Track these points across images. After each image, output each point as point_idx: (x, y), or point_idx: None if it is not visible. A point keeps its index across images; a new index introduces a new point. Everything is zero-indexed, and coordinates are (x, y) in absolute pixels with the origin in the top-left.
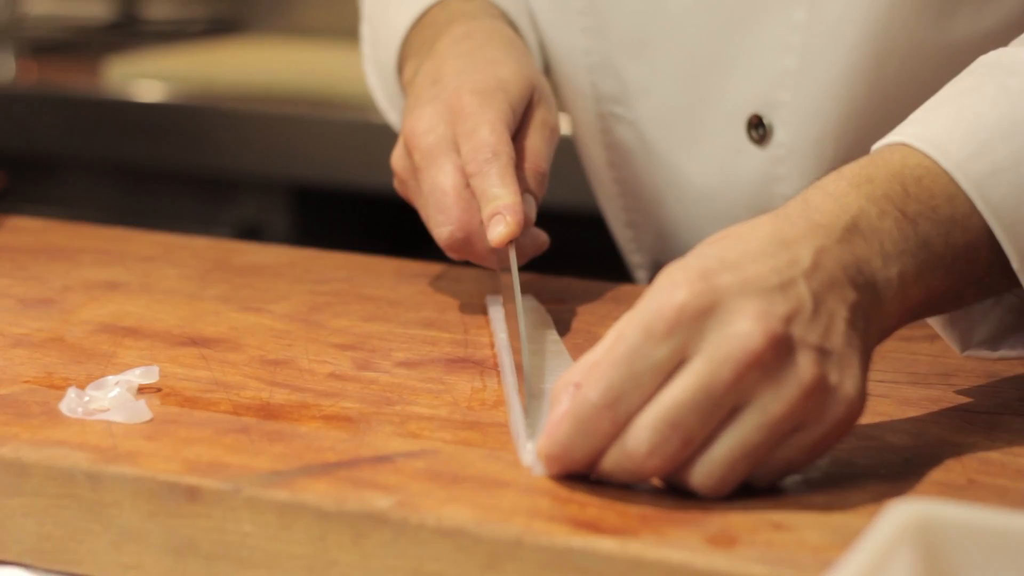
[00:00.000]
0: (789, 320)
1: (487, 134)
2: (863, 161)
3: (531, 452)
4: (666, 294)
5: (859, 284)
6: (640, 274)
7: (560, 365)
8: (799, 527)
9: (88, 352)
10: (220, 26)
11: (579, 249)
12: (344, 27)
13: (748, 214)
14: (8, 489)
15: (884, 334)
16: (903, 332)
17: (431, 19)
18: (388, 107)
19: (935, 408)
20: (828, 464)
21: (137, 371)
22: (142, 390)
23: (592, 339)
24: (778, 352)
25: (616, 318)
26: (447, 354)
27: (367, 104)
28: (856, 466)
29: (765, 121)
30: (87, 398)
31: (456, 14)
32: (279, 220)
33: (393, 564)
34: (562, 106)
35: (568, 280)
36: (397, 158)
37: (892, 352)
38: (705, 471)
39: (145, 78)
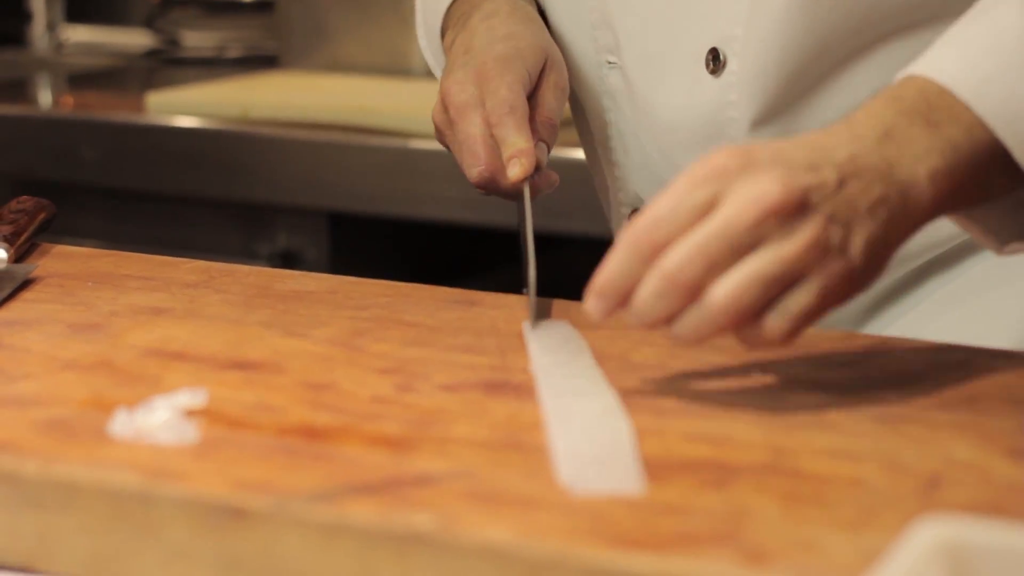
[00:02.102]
0: (808, 190)
1: (506, 92)
2: (893, 86)
3: (567, 472)
4: (711, 157)
5: (888, 182)
6: (624, 211)
7: (596, 389)
8: (829, 546)
9: (136, 375)
10: (258, 60)
11: None
12: (380, 64)
13: (704, 139)
14: (60, 508)
15: (915, 225)
16: (929, 358)
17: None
18: (434, 64)
19: (962, 432)
20: (856, 485)
21: (185, 394)
22: (189, 412)
23: (626, 364)
24: (792, 209)
25: (650, 344)
26: (485, 378)
27: (403, 133)
28: (884, 487)
29: (721, 54)
30: (136, 420)
31: None
32: (316, 248)
33: None
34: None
35: None
36: (437, 113)
37: (919, 377)
38: (723, 288)
39: (184, 108)
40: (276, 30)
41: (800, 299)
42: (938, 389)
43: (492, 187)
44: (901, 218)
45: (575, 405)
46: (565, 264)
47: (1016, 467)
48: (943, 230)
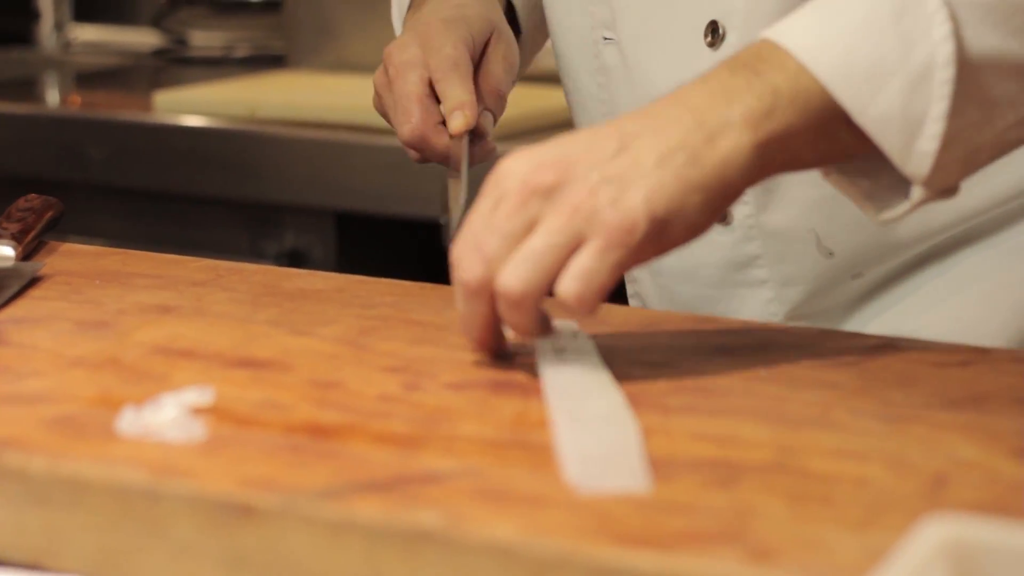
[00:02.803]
0: (570, 162)
1: (450, 50)
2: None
3: (573, 471)
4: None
5: (686, 129)
6: None
7: (603, 389)
8: (835, 545)
9: (144, 373)
10: (265, 59)
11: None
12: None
13: None
14: (68, 504)
15: (736, 168)
16: (935, 358)
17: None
18: None
19: (967, 431)
20: (862, 485)
21: (192, 392)
22: (197, 410)
23: (632, 363)
24: (549, 181)
25: (656, 343)
26: (492, 377)
27: None
28: (890, 487)
29: (720, 27)
30: (144, 417)
31: None
32: (323, 247)
33: None
34: (557, 45)
35: (608, 306)
36: (377, 75)
37: (925, 377)
38: (506, 272)
39: (191, 107)
40: (283, 29)
41: (581, 261)
42: (944, 389)
43: (424, 147)
44: (710, 161)
45: (582, 404)
46: None
47: (1022, 467)
48: (935, 220)
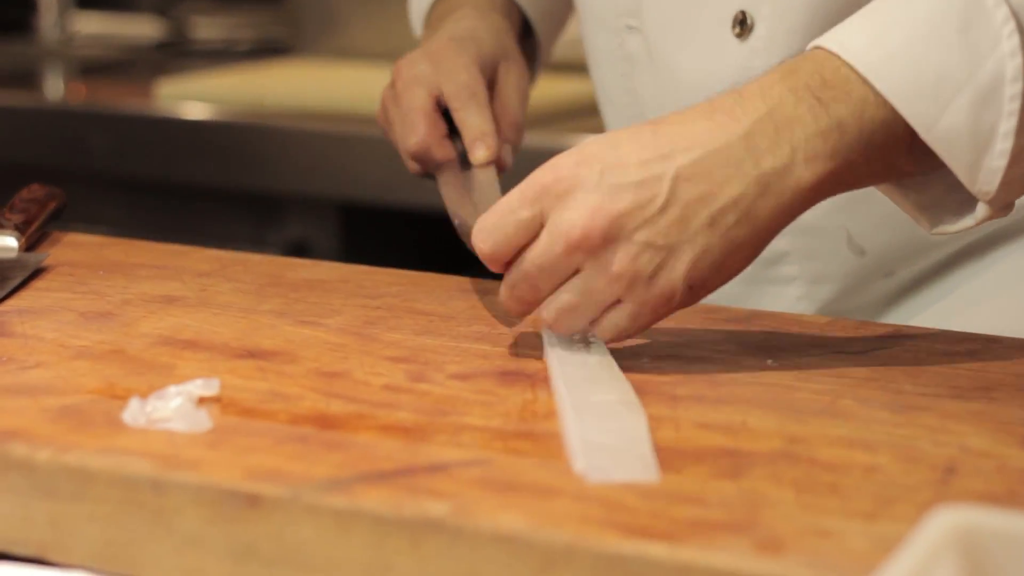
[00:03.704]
0: (621, 216)
1: (465, 76)
2: (795, 57)
3: (581, 461)
4: (542, 171)
5: (744, 177)
6: None
7: (610, 378)
8: (844, 534)
9: (148, 364)
10: (268, 49)
11: None
12: (391, 50)
13: None
14: (73, 496)
15: (788, 210)
16: (944, 347)
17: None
18: None
19: (976, 421)
20: (871, 474)
21: (198, 382)
22: (202, 401)
23: (640, 353)
24: (598, 241)
25: (664, 333)
26: (499, 367)
27: None
28: (899, 476)
29: (748, 17)
30: (149, 408)
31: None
32: (326, 238)
33: (448, 569)
34: (583, 31)
35: None
36: (384, 90)
37: (934, 366)
38: (546, 311)
39: (195, 97)
40: (287, 18)
41: (614, 319)
42: (953, 378)
43: (427, 160)
44: (764, 212)
45: (589, 394)
46: None
47: None
48: None
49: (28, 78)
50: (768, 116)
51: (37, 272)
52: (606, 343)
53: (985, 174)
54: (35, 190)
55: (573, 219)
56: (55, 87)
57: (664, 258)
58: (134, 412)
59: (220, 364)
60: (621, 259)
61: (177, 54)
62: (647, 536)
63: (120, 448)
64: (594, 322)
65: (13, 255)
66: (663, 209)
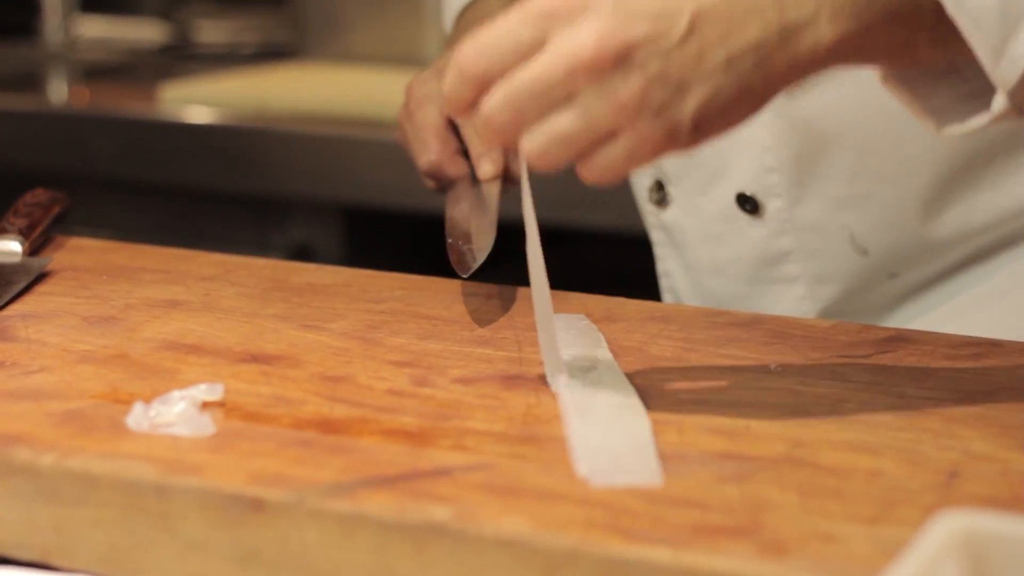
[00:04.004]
0: (633, 45)
1: None
2: None
3: (584, 465)
4: None
5: (766, 23)
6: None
7: (613, 382)
8: (848, 539)
9: (152, 368)
10: (273, 51)
11: (628, 270)
12: (395, 54)
13: None
14: (77, 500)
15: (803, 70)
16: (947, 351)
17: (470, 16)
18: None
19: (980, 425)
20: (875, 479)
21: (202, 387)
22: (206, 405)
23: (644, 356)
24: (607, 65)
25: (667, 337)
26: (502, 371)
27: None
28: (903, 481)
29: None
30: (153, 412)
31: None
32: (330, 242)
33: (452, 573)
34: None
35: (619, 299)
36: (400, 110)
37: (937, 370)
38: (530, 140)
39: (198, 101)
40: (291, 22)
41: (608, 154)
42: (956, 382)
43: (441, 177)
44: (781, 63)
45: (593, 398)
46: (579, 257)
47: None
48: (976, 219)
49: (32, 82)
50: None
51: (41, 276)
52: (592, 182)
53: (1009, 60)
54: (39, 194)
55: (583, 38)
56: (59, 91)
57: (674, 93)
58: (138, 417)
59: (224, 368)
60: (631, 87)
61: (181, 58)
62: (651, 540)
63: (124, 453)
64: (584, 158)
65: (17, 259)
66: (681, 43)
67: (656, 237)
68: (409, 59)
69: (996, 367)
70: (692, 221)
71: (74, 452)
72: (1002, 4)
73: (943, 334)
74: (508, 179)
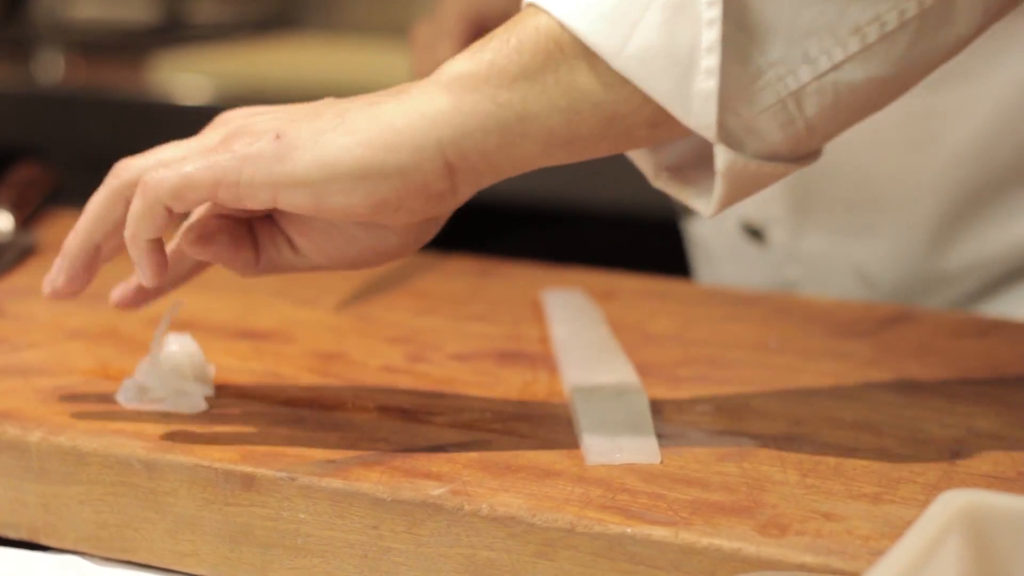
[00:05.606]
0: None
1: (450, 20)
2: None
3: (582, 442)
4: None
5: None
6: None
7: (612, 359)
8: (849, 517)
9: (142, 345)
10: (267, 25)
11: (628, 246)
12: (391, 23)
13: None
14: (65, 478)
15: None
16: (951, 329)
17: None
18: None
19: (984, 403)
20: (877, 457)
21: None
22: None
23: (643, 334)
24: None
25: (667, 312)
26: (498, 348)
27: None
28: (905, 459)
29: None
30: (143, 388)
31: None
32: None
33: (446, 551)
34: None
35: (618, 276)
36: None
37: (940, 348)
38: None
39: (192, 78)
40: None
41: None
42: (960, 360)
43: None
44: (385, 112)
45: (591, 375)
46: (580, 233)
47: None
48: (984, 250)
49: (23, 59)
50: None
51: (30, 252)
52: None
53: (698, 101)
54: (29, 170)
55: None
56: (52, 69)
57: (270, 123)
58: (127, 393)
59: (216, 344)
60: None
61: (174, 35)
62: (648, 519)
63: (113, 429)
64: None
65: (6, 235)
66: (264, 113)
67: (691, 251)
68: (407, 29)
69: (1000, 345)
70: (716, 240)
71: (63, 429)
72: (668, 41)
73: (946, 312)
74: None
